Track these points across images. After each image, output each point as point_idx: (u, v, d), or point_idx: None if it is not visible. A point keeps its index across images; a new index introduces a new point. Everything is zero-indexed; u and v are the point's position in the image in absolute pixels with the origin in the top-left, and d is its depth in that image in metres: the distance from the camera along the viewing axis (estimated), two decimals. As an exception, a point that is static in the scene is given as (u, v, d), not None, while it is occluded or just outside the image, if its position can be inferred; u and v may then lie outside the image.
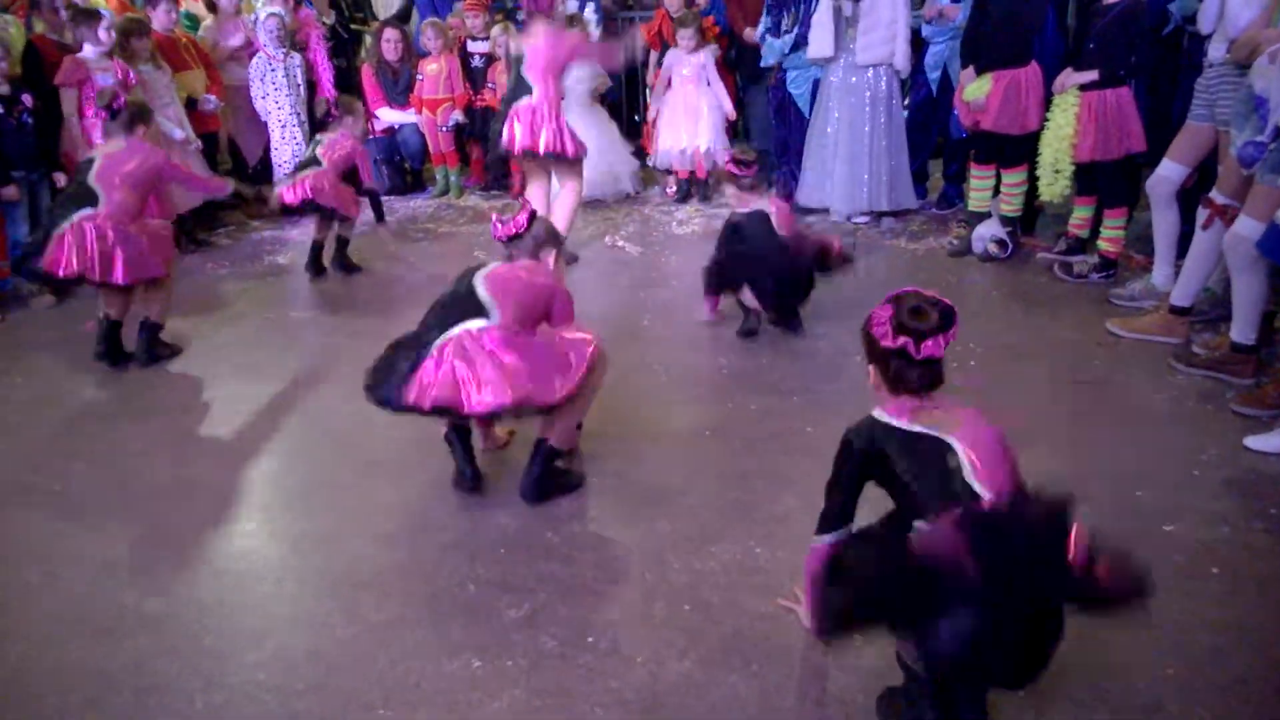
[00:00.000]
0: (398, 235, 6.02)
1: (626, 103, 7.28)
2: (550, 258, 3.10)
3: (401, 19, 7.38)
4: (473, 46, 6.83)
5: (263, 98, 6.24)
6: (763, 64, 5.94)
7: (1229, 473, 2.91)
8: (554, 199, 5.07)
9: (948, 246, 5.21)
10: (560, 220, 4.79)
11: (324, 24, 6.65)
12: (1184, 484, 2.86)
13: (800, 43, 5.61)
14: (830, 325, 4.10)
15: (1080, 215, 4.79)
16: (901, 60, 5.41)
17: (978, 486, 1.77)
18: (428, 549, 2.70)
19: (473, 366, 2.68)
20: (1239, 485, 2.85)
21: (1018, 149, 4.78)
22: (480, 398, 2.65)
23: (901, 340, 1.88)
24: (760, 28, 5.85)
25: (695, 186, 6.49)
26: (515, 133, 4.72)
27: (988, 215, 5.09)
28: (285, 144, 6.32)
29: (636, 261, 5.34)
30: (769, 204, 4.12)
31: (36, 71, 5.16)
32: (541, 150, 4.70)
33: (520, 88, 4.77)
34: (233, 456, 3.30)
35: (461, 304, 2.82)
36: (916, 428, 1.87)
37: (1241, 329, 3.45)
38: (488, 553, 2.66)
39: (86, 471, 3.22)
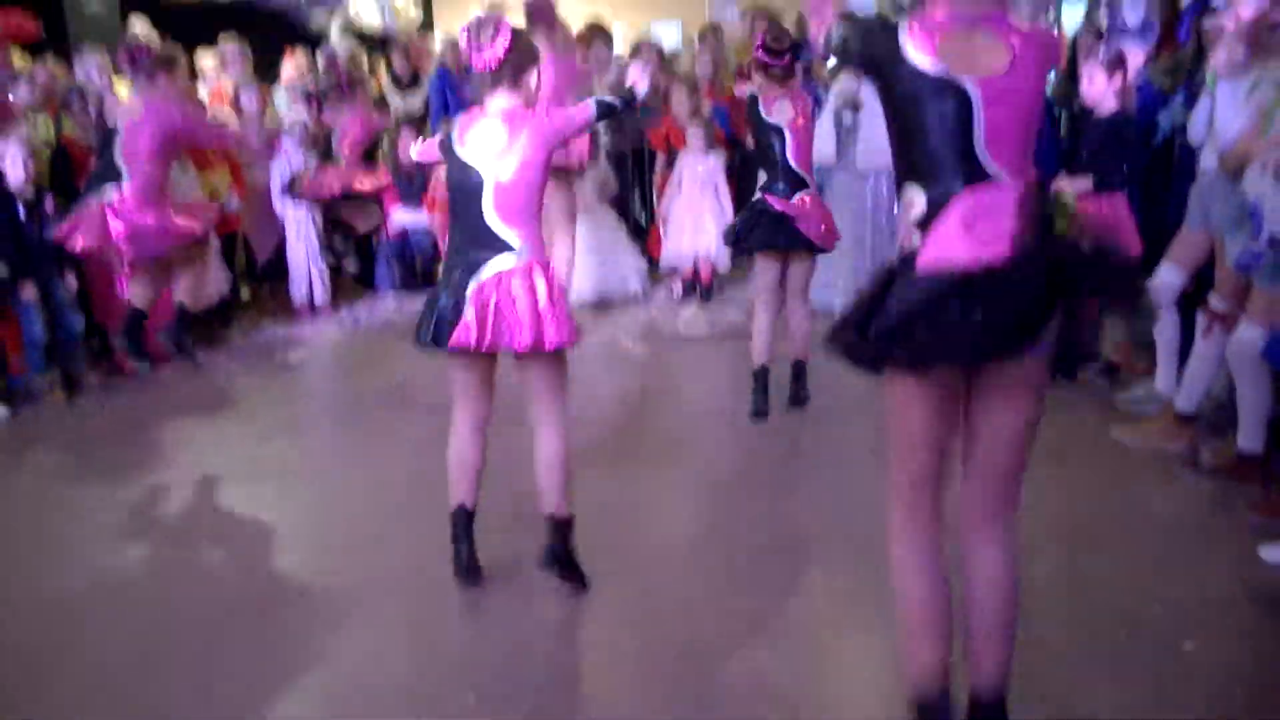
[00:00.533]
0: (407, 333, 6.07)
1: (639, 202, 7.44)
2: (533, 76, 2.81)
3: (420, 121, 7.61)
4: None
5: (282, 200, 6.40)
6: None
7: (1245, 585, 2.87)
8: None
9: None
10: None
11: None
12: (1199, 598, 2.81)
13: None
14: (841, 420, 4.11)
15: (1082, 320, 4.83)
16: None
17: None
18: (430, 663, 2.67)
19: (512, 310, 2.71)
20: (1257, 598, 2.81)
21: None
22: (521, 339, 2.71)
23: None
24: None
25: (700, 288, 6.59)
26: None
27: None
28: (300, 243, 6.45)
29: (642, 361, 5.39)
30: (793, 100, 4.05)
31: (65, 172, 5.32)
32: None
33: None
34: (234, 558, 3.29)
35: (481, 240, 2.75)
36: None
37: (1248, 436, 3.45)
38: (488, 665, 2.62)
39: (79, 575, 3.20)
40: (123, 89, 6.46)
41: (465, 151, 2.75)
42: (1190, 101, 4.25)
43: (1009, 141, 1.86)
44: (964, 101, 1.83)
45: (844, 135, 5.62)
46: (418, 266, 7.28)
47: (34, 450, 4.36)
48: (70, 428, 4.62)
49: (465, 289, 2.75)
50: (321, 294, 6.57)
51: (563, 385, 2.88)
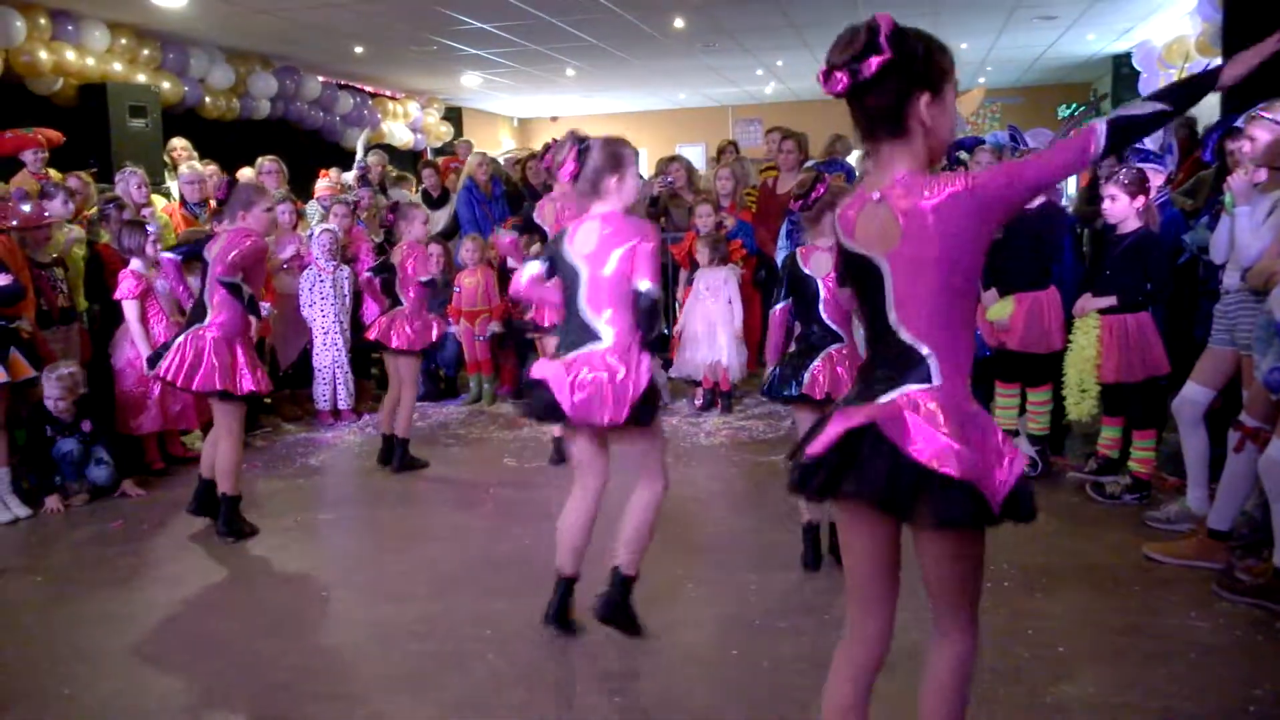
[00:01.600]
0: (429, 440, 6.10)
1: (663, 315, 7.51)
2: (613, 181, 3.09)
3: (445, 236, 7.79)
4: (511, 262, 7.14)
5: (309, 306, 6.53)
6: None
7: None
8: None
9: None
10: None
11: (373, 240, 7.03)
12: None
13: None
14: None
15: (1109, 435, 4.78)
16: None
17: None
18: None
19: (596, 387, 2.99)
20: None
21: (1042, 368, 4.85)
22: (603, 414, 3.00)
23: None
24: (780, 252, 6.12)
25: (720, 397, 6.59)
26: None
27: (1016, 434, 5.09)
28: (326, 350, 6.55)
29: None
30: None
31: (99, 280, 5.46)
32: None
33: None
34: (246, 666, 3.21)
35: (580, 332, 3.08)
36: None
37: None
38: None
39: (93, 675, 3.14)
40: (159, 202, 6.70)
41: (570, 250, 3.10)
42: (1214, 222, 4.31)
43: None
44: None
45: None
46: (441, 375, 7.36)
47: (53, 550, 4.34)
48: (89, 530, 4.60)
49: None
50: (345, 399, 6.62)
51: (654, 452, 3.21)
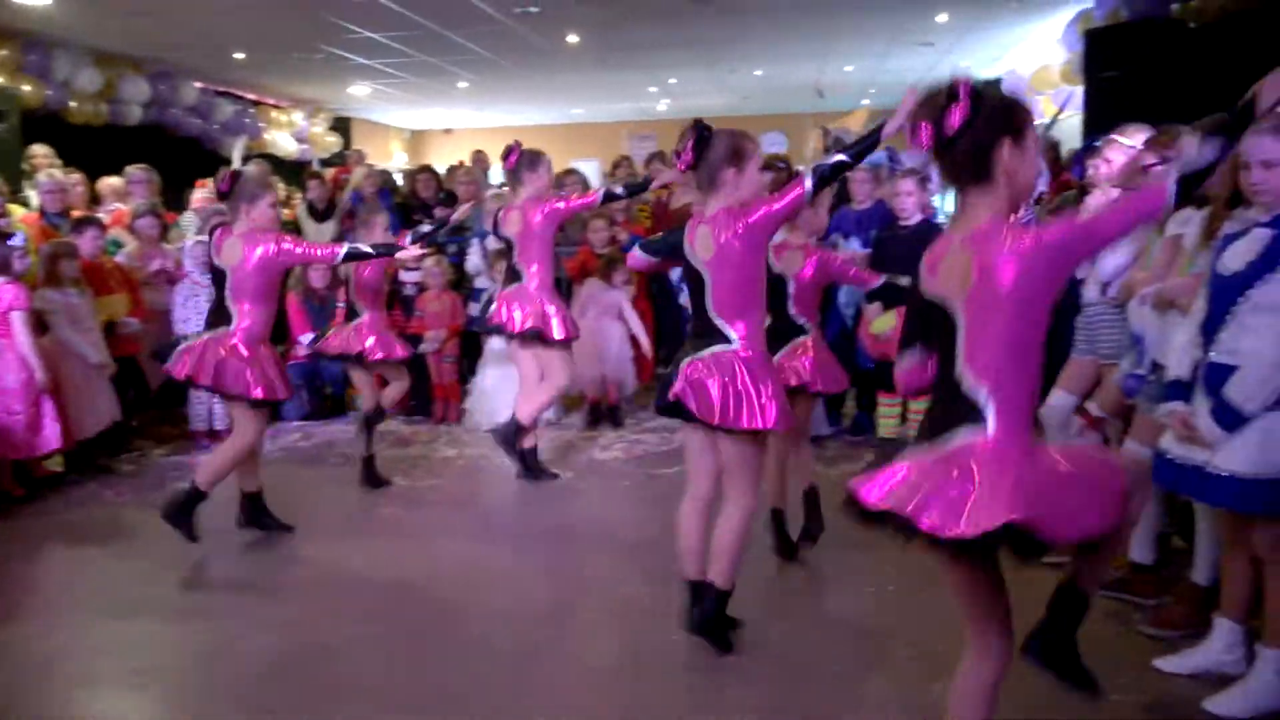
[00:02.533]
0: (314, 460, 5.90)
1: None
2: (731, 173, 3.05)
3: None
4: (405, 275, 6.98)
5: (184, 322, 6.23)
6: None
7: (1143, 697, 2.86)
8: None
9: (862, 472, 5.29)
10: (528, 405, 4.93)
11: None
12: (1097, 712, 2.76)
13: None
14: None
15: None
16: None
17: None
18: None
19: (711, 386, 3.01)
20: (1155, 710, 2.80)
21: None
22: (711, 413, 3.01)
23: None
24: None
25: (608, 412, 6.59)
26: (514, 316, 4.85)
27: (900, 441, 5.22)
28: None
29: (561, 487, 5.28)
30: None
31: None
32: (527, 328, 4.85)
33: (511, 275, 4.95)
34: (104, 699, 3.02)
35: (710, 334, 3.08)
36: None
37: (1140, 549, 3.53)
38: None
39: None
40: (17, 211, 6.30)
41: (691, 252, 3.10)
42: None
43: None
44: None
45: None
46: (327, 392, 7.13)
47: None
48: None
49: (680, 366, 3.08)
50: (223, 418, 6.33)
51: (752, 465, 3.11)
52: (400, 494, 5.23)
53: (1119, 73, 6.60)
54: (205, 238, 6.30)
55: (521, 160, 5.02)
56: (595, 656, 3.29)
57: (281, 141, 12.68)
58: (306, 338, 6.77)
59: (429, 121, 16.99)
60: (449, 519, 4.79)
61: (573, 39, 9.88)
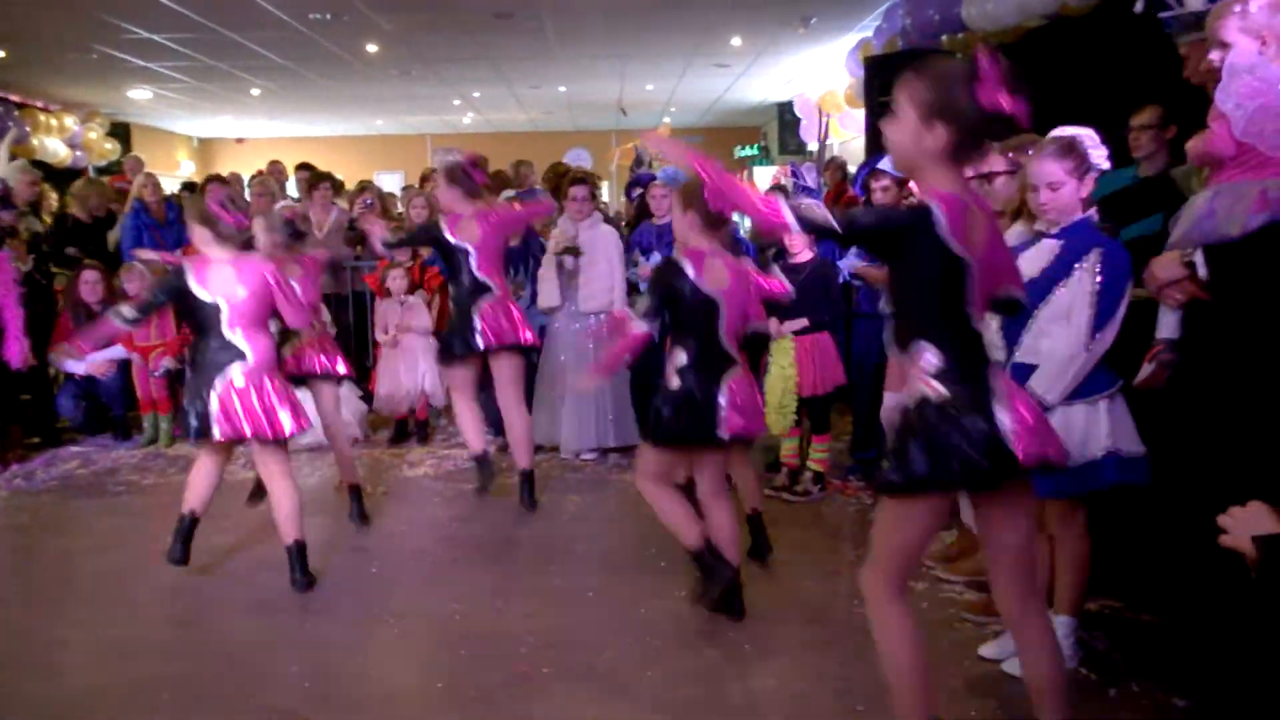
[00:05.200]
0: (95, 490, 5.48)
1: (355, 347, 7.26)
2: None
3: (112, 262, 7.06)
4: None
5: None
6: None
7: (965, 680, 3.08)
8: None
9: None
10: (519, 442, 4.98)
11: (19, 268, 6.21)
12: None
13: (530, 297, 5.98)
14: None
15: (790, 446, 5.21)
16: (620, 305, 5.81)
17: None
18: None
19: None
20: (974, 690, 3.03)
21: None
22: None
23: (1019, 107, 2.05)
24: (629, 268, 6.13)
25: (415, 427, 6.51)
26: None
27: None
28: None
29: (370, 504, 5.14)
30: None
31: None
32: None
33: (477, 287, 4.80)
34: None
35: (722, 359, 3.44)
36: (958, 248, 2.10)
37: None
38: None
39: None
40: None
41: (704, 283, 3.37)
42: (862, 252, 4.82)
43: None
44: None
45: (565, 280, 5.83)
46: (109, 413, 6.63)
47: None
48: None
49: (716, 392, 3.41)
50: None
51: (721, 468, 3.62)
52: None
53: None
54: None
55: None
56: (402, 676, 3.25)
57: (52, 147, 11.69)
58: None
59: (220, 130, 16.14)
60: (237, 539, 4.57)
61: (372, 48, 9.68)
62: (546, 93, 12.76)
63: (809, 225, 2.20)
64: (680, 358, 3.44)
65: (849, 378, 5.08)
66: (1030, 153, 3.08)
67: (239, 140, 16.89)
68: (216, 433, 3.72)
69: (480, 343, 4.74)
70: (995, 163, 3.60)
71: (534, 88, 12.36)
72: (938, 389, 2.16)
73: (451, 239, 4.78)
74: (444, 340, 5.05)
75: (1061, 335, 2.92)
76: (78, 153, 12.26)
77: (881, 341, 4.67)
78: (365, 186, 7.54)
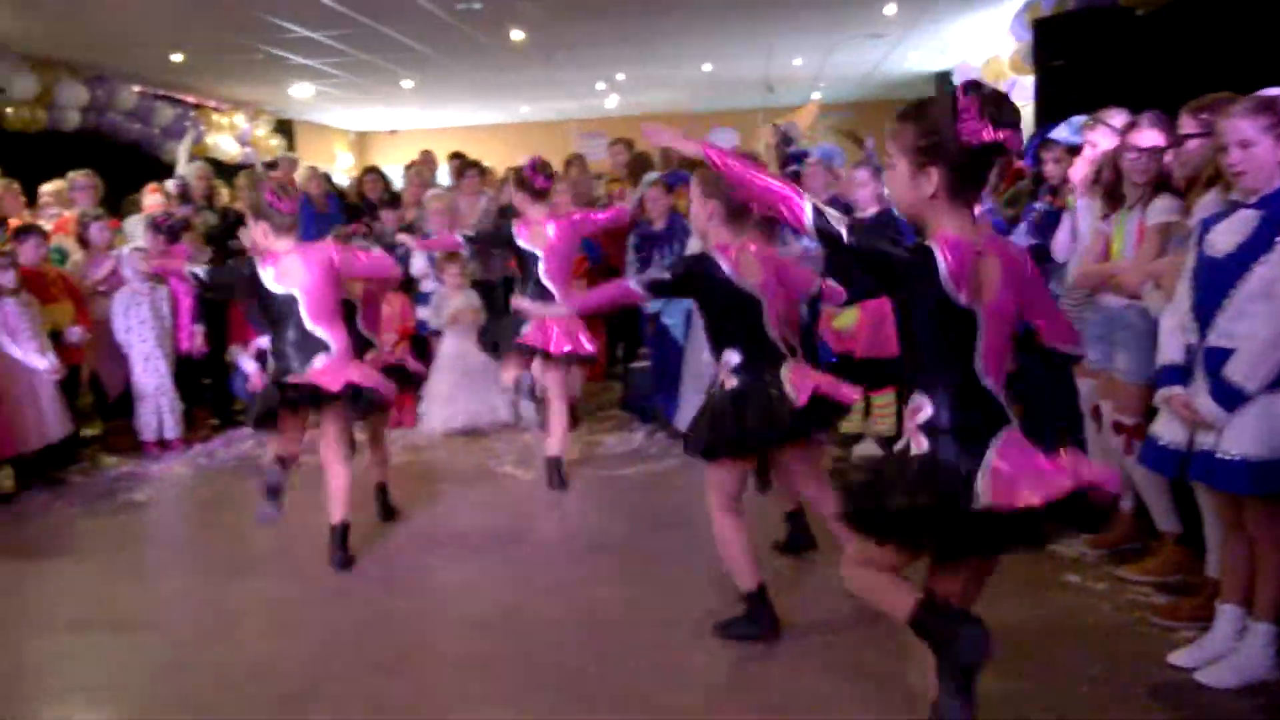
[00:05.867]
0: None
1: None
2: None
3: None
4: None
5: (125, 330, 6.06)
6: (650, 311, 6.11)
7: (1153, 687, 2.86)
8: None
9: (829, 465, 5.30)
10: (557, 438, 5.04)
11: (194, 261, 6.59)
12: (1115, 699, 2.80)
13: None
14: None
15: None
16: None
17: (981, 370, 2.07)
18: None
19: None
20: (1162, 700, 2.81)
21: (884, 372, 5.00)
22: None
23: (1003, 134, 1.94)
24: (630, 269, 6.10)
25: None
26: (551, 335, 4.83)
27: (861, 436, 5.24)
28: (148, 376, 6.08)
29: (527, 487, 5.22)
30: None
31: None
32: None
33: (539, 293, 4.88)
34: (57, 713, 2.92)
35: (773, 352, 3.20)
36: (961, 297, 2.01)
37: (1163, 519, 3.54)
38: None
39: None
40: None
41: (739, 278, 3.15)
42: (1032, 229, 4.53)
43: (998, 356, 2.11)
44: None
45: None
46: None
47: None
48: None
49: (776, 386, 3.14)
50: (173, 428, 6.17)
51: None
52: (364, 503, 5.12)
53: (1067, 61, 6.69)
54: (144, 244, 6.15)
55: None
56: (557, 657, 3.25)
57: (224, 145, 12.41)
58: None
59: (374, 123, 16.75)
60: (400, 525, 4.69)
61: (517, 36, 9.78)
62: (690, 72, 12.63)
63: (821, 231, 2.13)
64: (732, 358, 3.17)
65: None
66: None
67: (391, 132, 17.48)
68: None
69: (525, 338, 4.84)
70: (1187, 124, 3.31)
71: (677, 68, 12.27)
72: (920, 442, 2.09)
73: (522, 243, 4.90)
74: (490, 330, 5.27)
75: (1262, 316, 2.65)
76: (247, 149, 12.99)
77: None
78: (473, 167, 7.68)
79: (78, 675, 3.24)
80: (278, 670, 3.19)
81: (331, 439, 4.03)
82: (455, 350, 6.29)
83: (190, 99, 12.05)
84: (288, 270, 3.83)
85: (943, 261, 2.00)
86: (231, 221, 7.59)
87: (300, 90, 12.34)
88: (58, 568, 4.23)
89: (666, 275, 3.20)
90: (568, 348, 4.85)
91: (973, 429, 2.06)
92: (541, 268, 4.87)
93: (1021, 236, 4.78)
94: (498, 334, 5.18)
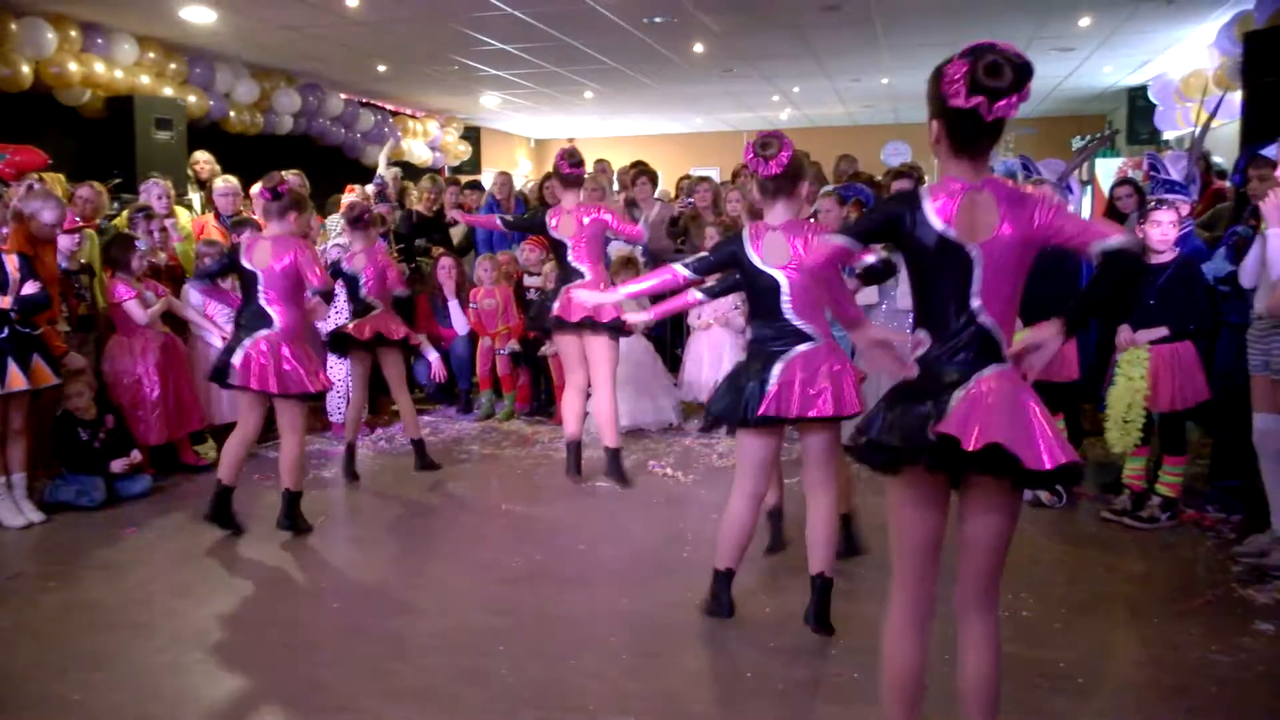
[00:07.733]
0: (441, 455, 6.09)
1: (670, 336, 7.52)
2: (803, 187, 3.30)
3: (460, 252, 7.84)
4: (529, 280, 7.24)
5: (323, 318, 6.51)
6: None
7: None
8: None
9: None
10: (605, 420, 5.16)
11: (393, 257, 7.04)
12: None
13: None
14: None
15: (1135, 467, 4.72)
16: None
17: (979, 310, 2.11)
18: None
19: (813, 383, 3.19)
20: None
21: (1058, 396, 4.82)
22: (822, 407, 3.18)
23: (976, 100, 1.98)
24: None
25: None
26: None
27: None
28: (339, 361, 6.49)
29: (678, 490, 5.33)
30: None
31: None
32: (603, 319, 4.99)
33: (569, 274, 5.11)
34: (258, 678, 3.21)
35: (792, 335, 3.24)
36: (950, 232, 2.08)
37: None
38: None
39: (106, 682, 3.14)
40: (183, 214, 6.76)
41: (761, 262, 3.23)
42: (1231, 253, 4.30)
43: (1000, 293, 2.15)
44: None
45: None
46: (454, 385, 7.39)
47: (68, 557, 4.35)
48: (102, 536, 4.61)
49: (769, 372, 3.19)
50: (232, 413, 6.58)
51: (838, 453, 3.32)
52: (522, 493, 5.36)
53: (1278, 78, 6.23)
54: (343, 241, 6.63)
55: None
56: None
57: (416, 150, 13.17)
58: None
59: (553, 130, 17.34)
60: (570, 516, 4.88)
61: (699, 49, 9.94)
62: (868, 85, 12.47)
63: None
64: (749, 333, 3.39)
65: (1211, 393, 4.52)
66: None
67: (569, 140, 18.06)
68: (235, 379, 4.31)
69: (555, 314, 5.02)
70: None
71: (855, 80, 12.13)
72: (910, 369, 2.18)
73: (552, 232, 5.13)
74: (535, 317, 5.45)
75: None
76: (436, 154, 13.72)
77: (1247, 355, 4.12)
78: (703, 180, 7.84)
79: (265, 634, 3.55)
80: (449, 644, 3.40)
81: (281, 410, 4.55)
82: (621, 354, 6.47)
83: (389, 106, 12.85)
84: (262, 253, 4.42)
85: (928, 200, 2.11)
86: (415, 222, 8.09)
87: (489, 99, 12.94)
88: (251, 540, 4.58)
89: (709, 255, 3.43)
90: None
91: (962, 366, 2.12)
92: (570, 254, 5.09)
93: (1219, 261, 4.53)
94: (542, 319, 5.31)
